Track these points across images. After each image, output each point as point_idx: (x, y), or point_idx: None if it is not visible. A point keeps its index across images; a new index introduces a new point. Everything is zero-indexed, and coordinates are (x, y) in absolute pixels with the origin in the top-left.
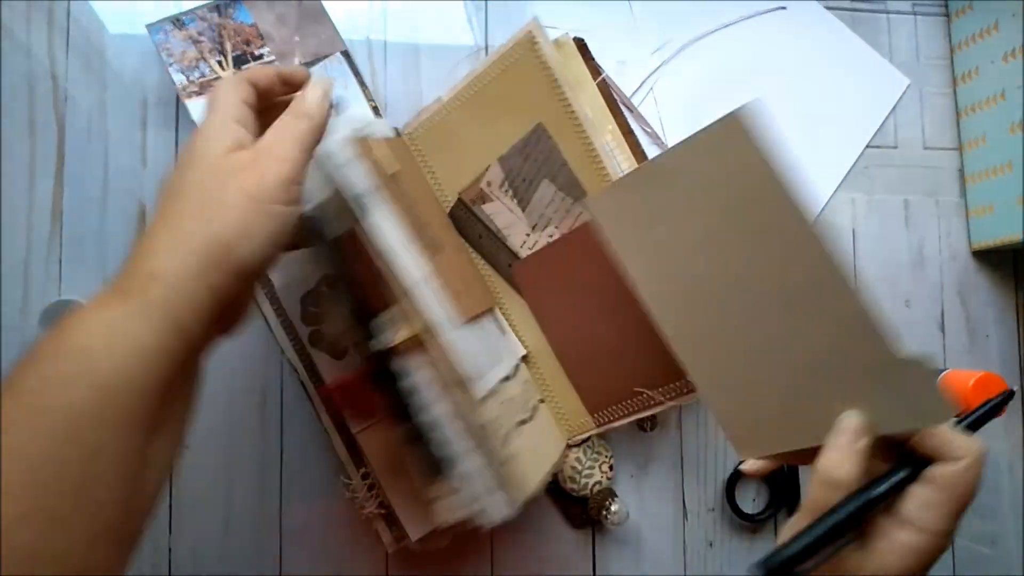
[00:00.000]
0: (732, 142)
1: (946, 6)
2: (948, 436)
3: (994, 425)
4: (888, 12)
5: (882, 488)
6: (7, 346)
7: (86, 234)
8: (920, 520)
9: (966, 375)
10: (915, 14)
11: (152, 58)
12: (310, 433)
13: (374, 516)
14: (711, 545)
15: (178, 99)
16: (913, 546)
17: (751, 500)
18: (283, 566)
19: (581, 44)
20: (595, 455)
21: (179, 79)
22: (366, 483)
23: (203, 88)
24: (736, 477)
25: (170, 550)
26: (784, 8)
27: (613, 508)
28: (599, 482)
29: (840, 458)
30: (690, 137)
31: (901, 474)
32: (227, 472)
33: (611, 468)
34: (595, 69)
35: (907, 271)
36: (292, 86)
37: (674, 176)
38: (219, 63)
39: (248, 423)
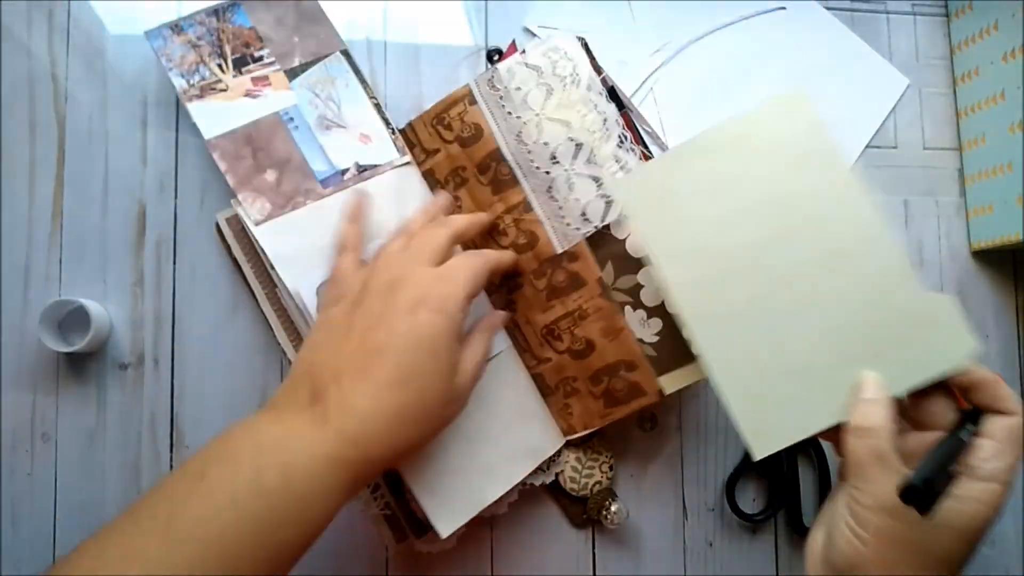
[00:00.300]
0: (778, 116)
1: (946, 6)
2: (1004, 390)
3: None
4: (888, 12)
5: (962, 433)
6: (7, 346)
7: (86, 234)
8: (991, 472)
9: None
10: (914, 14)
11: (153, 59)
12: None
13: (378, 517)
14: (711, 545)
15: (178, 99)
16: (986, 498)
17: (751, 500)
18: None
19: (584, 44)
20: (595, 455)
21: (179, 83)
22: (369, 484)
23: (204, 91)
24: (736, 477)
25: None
26: (784, 8)
27: (613, 508)
28: (599, 482)
29: (867, 408)
30: (736, 117)
31: (970, 426)
32: None
33: (611, 468)
34: (597, 68)
35: None
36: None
37: (714, 152)
38: (219, 66)
39: None
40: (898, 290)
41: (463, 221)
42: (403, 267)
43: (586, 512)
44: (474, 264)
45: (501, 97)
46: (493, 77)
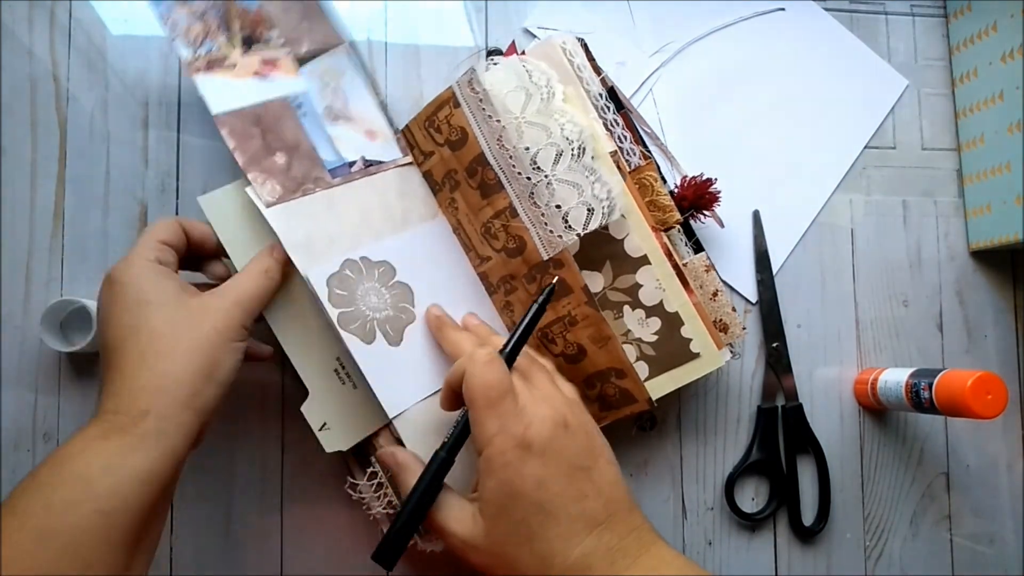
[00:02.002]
0: None
1: (944, 7)
2: (453, 337)
3: (992, 424)
4: (887, 13)
5: (450, 436)
6: (9, 346)
7: (88, 234)
8: (475, 442)
9: (964, 375)
10: (913, 15)
11: (155, 58)
12: (311, 431)
13: (382, 517)
14: (710, 544)
15: (180, 100)
16: (483, 483)
17: (750, 499)
18: (283, 566)
19: (583, 45)
20: None
21: (185, 53)
22: (372, 483)
23: (211, 65)
24: (736, 476)
25: (171, 550)
26: (783, 9)
27: None
28: None
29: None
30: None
31: (464, 411)
32: (227, 472)
33: None
34: (597, 69)
35: (905, 271)
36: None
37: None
38: (228, 40)
39: (248, 423)
40: None
41: None
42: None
43: None
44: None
45: (481, 100)
46: (472, 79)
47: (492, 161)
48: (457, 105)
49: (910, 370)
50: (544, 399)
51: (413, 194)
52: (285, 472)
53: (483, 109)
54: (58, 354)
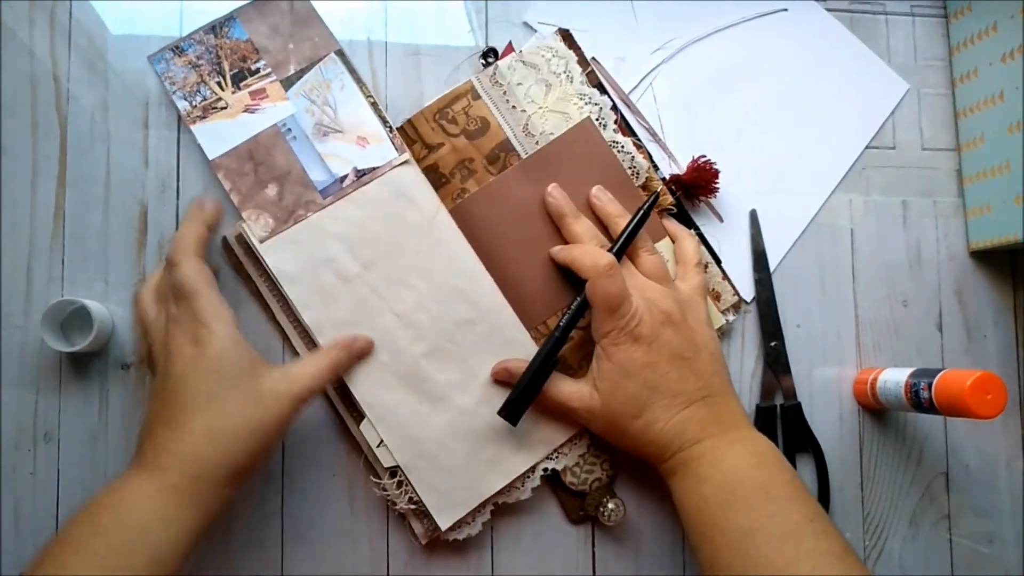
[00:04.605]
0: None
1: (944, 7)
2: (574, 253)
3: (992, 424)
4: (887, 13)
5: (564, 318)
6: (10, 346)
7: (88, 234)
8: (594, 333)
9: (964, 375)
10: (913, 15)
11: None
12: (312, 430)
13: (407, 512)
14: None
15: (180, 119)
16: (600, 365)
17: None
18: (284, 566)
19: (566, 34)
20: (597, 452)
21: (183, 106)
22: (394, 481)
23: (206, 111)
24: None
25: None
26: (785, 10)
27: (610, 506)
28: (599, 479)
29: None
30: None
31: (579, 299)
32: None
33: (612, 467)
34: (584, 59)
35: (905, 271)
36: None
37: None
38: (218, 84)
39: None
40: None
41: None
42: (173, 308)
43: (583, 508)
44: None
45: (504, 92)
46: (495, 73)
47: (518, 147)
48: (477, 97)
49: (910, 370)
50: (653, 299)
51: (412, 193)
52: (286, 472)
53: (507, 100)
54: (58, 354)
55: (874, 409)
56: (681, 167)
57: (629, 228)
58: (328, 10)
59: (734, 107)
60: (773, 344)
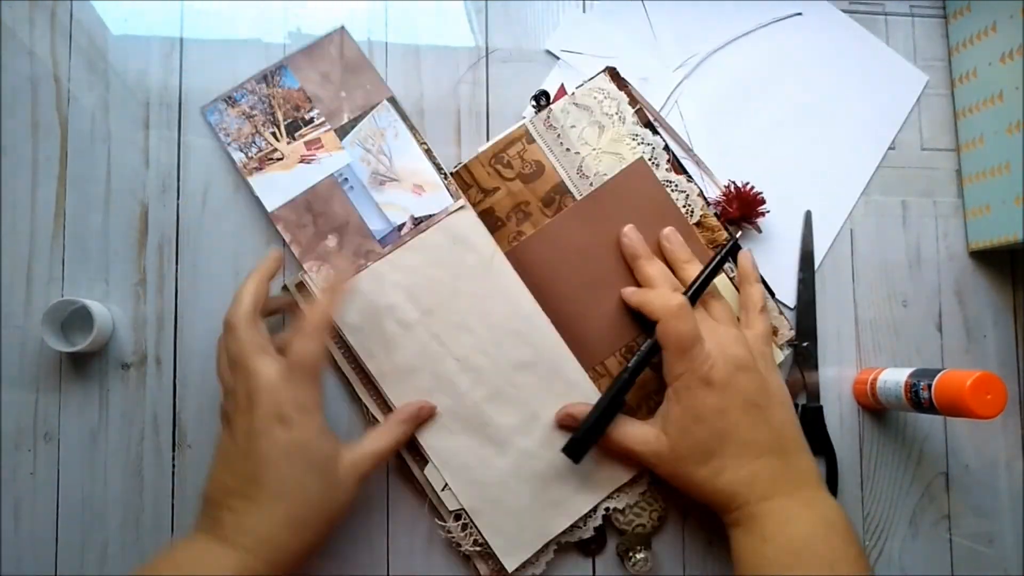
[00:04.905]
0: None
1: (944, 7)
2: (647, 296)
3: (992, 424)
4: (886, 14)
5: (633, 360)
6: (10, 346)
7: (89, 234)
8: (666, 376)
9: (964, 375)
10: (913, 15)
11: (155, 58)
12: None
13: (472, 554)
14: (711, 544)
15: (181, 100)
16: (669, 408)
17: None
18: None
19: (614, 73)
20: (651, 500)
21: (239, 157)
22: (459, 524)
23: (262, 163)
24: None
25: None
26: (800, 14)
27: (640, 555)
28: (642, 525)
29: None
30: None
31: (649, 341)
32: None
33: (659, 520)
34: (632, 96)
35: (905, 272)
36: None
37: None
38: (273, 134)
39: None
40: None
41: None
42: (249, 376)
43: (617, 545)
44: (312, 355)
45: (558, 135)
46: (549, 117)
47: (572, 189)
48: (532, 141)
49: (909, 370)
50: (726, 344)
51: (469, 237)
52: None
53: (561, 143)
54: (59, 354)
55: (874, 409)
56: (719, 184)
57: (705, 273)
58: (328, 10)
59: (758, 115)
60: (806, 344)
